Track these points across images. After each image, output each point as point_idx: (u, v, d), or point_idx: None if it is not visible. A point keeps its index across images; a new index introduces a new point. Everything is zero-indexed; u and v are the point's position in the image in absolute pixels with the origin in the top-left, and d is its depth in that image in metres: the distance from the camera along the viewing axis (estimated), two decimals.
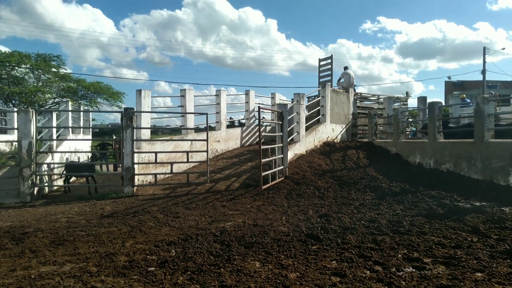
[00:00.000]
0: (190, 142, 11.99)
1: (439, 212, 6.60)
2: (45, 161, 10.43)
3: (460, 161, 9.42)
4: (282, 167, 10.37)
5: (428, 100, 13.36)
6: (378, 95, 18.26)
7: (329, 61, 16.82)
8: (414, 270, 4.13)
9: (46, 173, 10.43)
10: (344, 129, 15.17)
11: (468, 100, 15.41)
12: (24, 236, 5.92)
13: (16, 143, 10.08)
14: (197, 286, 3.85)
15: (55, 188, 10.99)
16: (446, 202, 7.20)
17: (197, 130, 13.73)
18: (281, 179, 10.09)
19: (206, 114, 11.05)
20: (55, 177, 11.20)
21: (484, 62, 35.69)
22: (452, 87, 46.72)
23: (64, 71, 30.56)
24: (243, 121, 16.25)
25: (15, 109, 15.51)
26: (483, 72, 35.82)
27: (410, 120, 17.07)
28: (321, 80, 16.81)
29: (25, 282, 4.04)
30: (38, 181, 9.79)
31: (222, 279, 3.98)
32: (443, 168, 9.95)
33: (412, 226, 5.84)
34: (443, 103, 16.70)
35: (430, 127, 10.60)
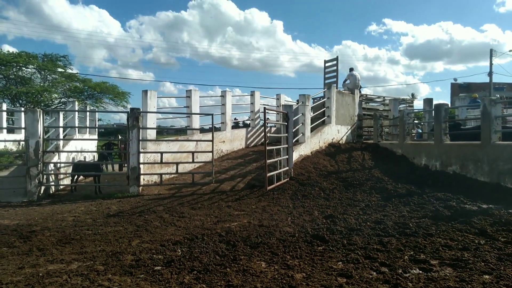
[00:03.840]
0: (195, 142, 12.03)
1: (446, 214, 6.56)
2: (52, 161, 10.51)
3: (467, 163, 9.36)
4: (287, 168, 10.37)
5: (434, 102, 13.31)
6: (384, 97, 18.19)
7: (335, 62, 16.79)
8: (421, 272, 4.11)
9: (52, 172, 10.51)
10: (350, 131, 15.13)
11: (480, 101, 15.27)
12: (32, 235, 5.97)
13: (23, 142, 10.16)
14: (204, 285, 3.86)
15: (62, 187, 11.07)
16: (452, 204, 7.15)
17: (202, 130, 13.77)
18: (286, 180, 10.08)
19: (212, 114, 11.08)
20: (61, 176, 11.29)
21: (491, 64, 35.40)
22: (458, 89, 46.45)
23: (71, 71, 30.86)
24: (248, 122, 16.28)
25: (23, 109, 15.66)
26: (490, 74, 35.51)
27: (416, 122, 16.97)
28: (326, 81, 16.78)
29: (33, 279, 4.08)
30: (44, 180, 9.87)
31: (228, 279, 3.99)
32: (449, 170, 9.89)
33: (419, 228, 5.81)
34: (449, 105, 16.58)
35: (436, 129, 10.55)
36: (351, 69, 16.41)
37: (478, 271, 4.05)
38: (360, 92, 16.21)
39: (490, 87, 34.99)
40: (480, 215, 6.33)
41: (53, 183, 10.52)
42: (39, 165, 9.55)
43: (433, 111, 11.16)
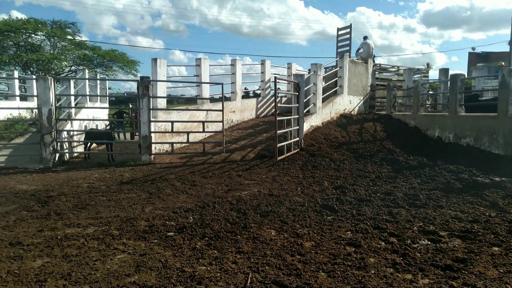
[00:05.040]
0: (205, 112, 12.01)
1: (457, 186, 6.53)
2: (65, 128, 10.66)
3: (481, 135, 9.19)
4: (298, 138, 10.34)
5: (451, 72, 12.90)
6: (398, 66, 17.69)
7: (348, 30, 16.27)
8: (429, 242, 4.15)
9: (66, 140, 10.69)
10: (362, 101, 14.88)
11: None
12: (49, 200, 6.17)
13: (36, 110, 10.28)
14: (215, 251, 3.97)
15: (75, 154, 11.29)
16: (464, 177, 7.10)
17: (212, 100, 13.70)
18: (296, 150, 10.08)
19: (222, 84, 10.96)
20: (75, 144, 11.48)
21: None
22: (476, 58, 44.86)
23: (80, 38, 30.60)
24: (258, 91, 16.10)
25: (34, 77, 15.73)
26: (511, 42, 34.06)
27: (430, 92, 16.58)
28: (339, 50, 16.34)
29: (53, 242, 4.25)
30: (59, 148, 10.07)
31: (238, 246, 4.10)
32: (463, 142, 9.74)
33: (429, 199, 5.81)
34: (466, 75, 16.07)
35: (452, 100, 10.29)
36: (365, 38, 15.89)
37: (488, 243, 4.07)
38: (373, 61, 15.78)
39: (510, 57, 33.64)
40: (492, 188, 6.28)
41: (67, 151, 10.73)
42: (53, 132, 9.69)
43: (449, 82, 10.84)
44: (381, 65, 17.28)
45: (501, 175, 7.18)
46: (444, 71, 14.16)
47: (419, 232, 4.46)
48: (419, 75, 16.99)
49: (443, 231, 4.49)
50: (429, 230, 4.50)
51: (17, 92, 16.81)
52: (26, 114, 14.83)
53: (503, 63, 15.37)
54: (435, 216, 5.00)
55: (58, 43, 29.49)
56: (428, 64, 50.37)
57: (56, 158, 9.88)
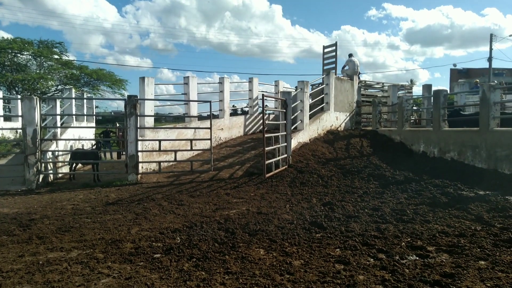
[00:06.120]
0: (193, 130, 11.99)
1: (443, 200, 6.60)
2: (50, 149, 10.48)
3: (465, 149, 9.39)
4: (286, 155, 10.37)
5: (433, 88, 13.25)
6: (383, 83, 18.08)
7: (334, 48, 16.62)
8: (417, 258, 4.16)
9: (51, 160, 10.49)
10: (348, 117, 15.09)
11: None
12: (31, 223, 5.99)
13: (21, 130, 10.11)
14: (203, 273, 3.90)
15: (60, 175, 11.07)
16: (450, 191, 7.20)
17: (200, 118, 13.71)
18: (284, 167, 10.10)
19: (210, 102, 11.02)
20: (60, 164, 11.27)
21: (491, 49, 35.15)
22: (457, 74, 46.29)
23: (67, 58, 30.46)
24: (246, 109, 16.20)
25: (19, 97, 15.53)
26: (490, 59, 35.30)
27: (414, 108, 16.93)
28: (325, 67, 16.65)
29: (34, 267, 4.11)
30: (43, 169, 9.86)
31: (227, 266, 4.03)
32: (447, 157, 9.92)
33: (416, 214, 5.86)
34: (448, 91, 16.51)
35: (435, 115, 10.53)
36: (350, 55, 16.26)
37: (474, 257, 4.10)
38: (359, 78, 16.11)
39: (489, 73, 34.83)
40: (477, 202, 6.38)
41: (51, 171, 10.51)
42: (37, 153, 9.51)
43: (432, 98, 11.12)
44: (366, 82, 17.63)
45: (485, 189, 7.31)
46: (427, 87, 14.52)
47: (407, 248, 4.47)
48: (403, 91, 17.38)
49: (430, 246, 4.52)
50: (417, 245, 4.52)
51: (1, 112, 16.53)
52: (9, 135, 14.56)
53: (477, 80, 16.32)
54: (422, 231, 5.04)
55: (44, 63, 29.28)
56: (412, 81, 51.58)
57: (40, 180, 9.66)
